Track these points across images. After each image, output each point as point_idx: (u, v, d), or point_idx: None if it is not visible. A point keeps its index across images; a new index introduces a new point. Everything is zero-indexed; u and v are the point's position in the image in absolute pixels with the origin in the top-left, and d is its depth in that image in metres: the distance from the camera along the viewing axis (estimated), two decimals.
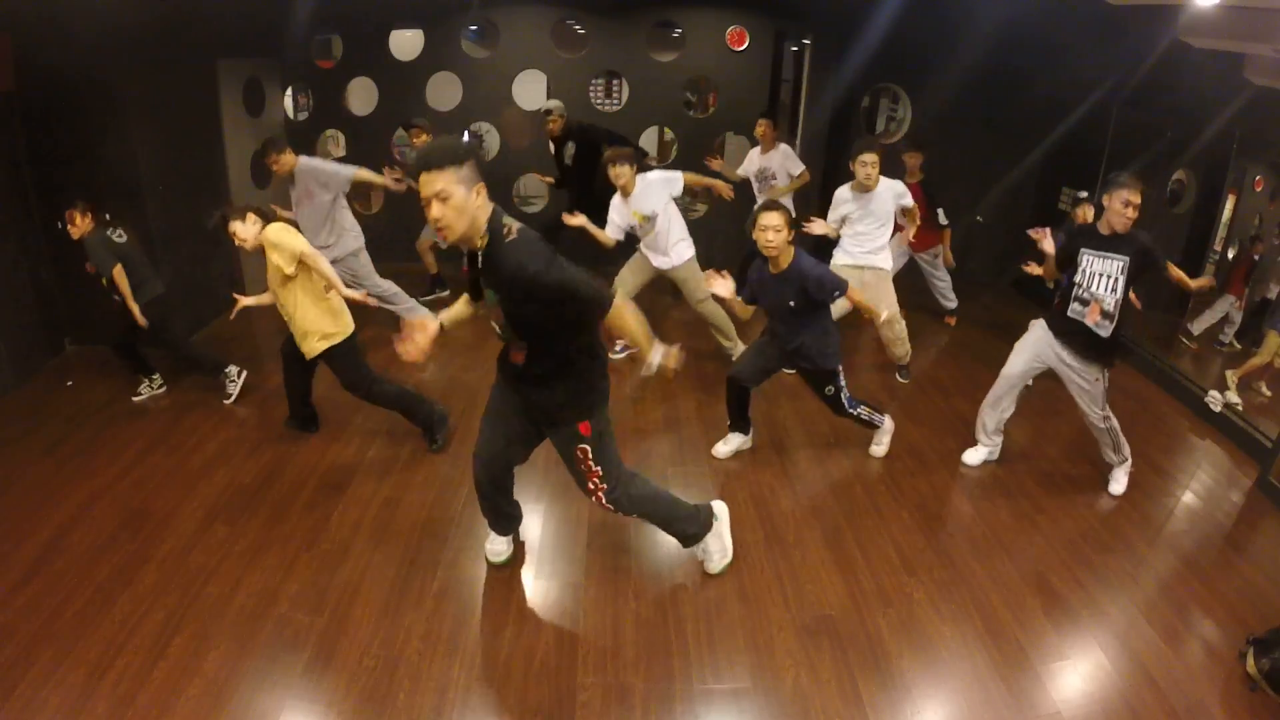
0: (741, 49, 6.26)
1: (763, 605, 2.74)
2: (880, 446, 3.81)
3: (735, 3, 6.16)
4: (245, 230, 3.39)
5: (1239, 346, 4.93)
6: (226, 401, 4.09)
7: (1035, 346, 3.51)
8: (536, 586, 2.81)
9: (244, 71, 5.44)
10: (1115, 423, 3.47)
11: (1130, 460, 3.58)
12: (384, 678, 2.37)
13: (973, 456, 3.75)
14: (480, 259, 2.23)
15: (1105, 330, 3.23)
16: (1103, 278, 3.22)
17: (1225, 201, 4.76)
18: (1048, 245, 3.70)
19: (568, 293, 2.15)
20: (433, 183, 2.08)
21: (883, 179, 4.25)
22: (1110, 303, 3.20)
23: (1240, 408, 4.24)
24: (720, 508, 2.94)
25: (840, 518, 3.30)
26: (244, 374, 4.18)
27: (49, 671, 2.33)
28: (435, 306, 5.61)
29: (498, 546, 2.92)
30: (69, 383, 4.27)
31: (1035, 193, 6.32)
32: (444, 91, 6.33)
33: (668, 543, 3.07)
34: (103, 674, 2.33)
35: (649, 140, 7.72)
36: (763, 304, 3.48)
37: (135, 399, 4.10)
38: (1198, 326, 5.04)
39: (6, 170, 4.20)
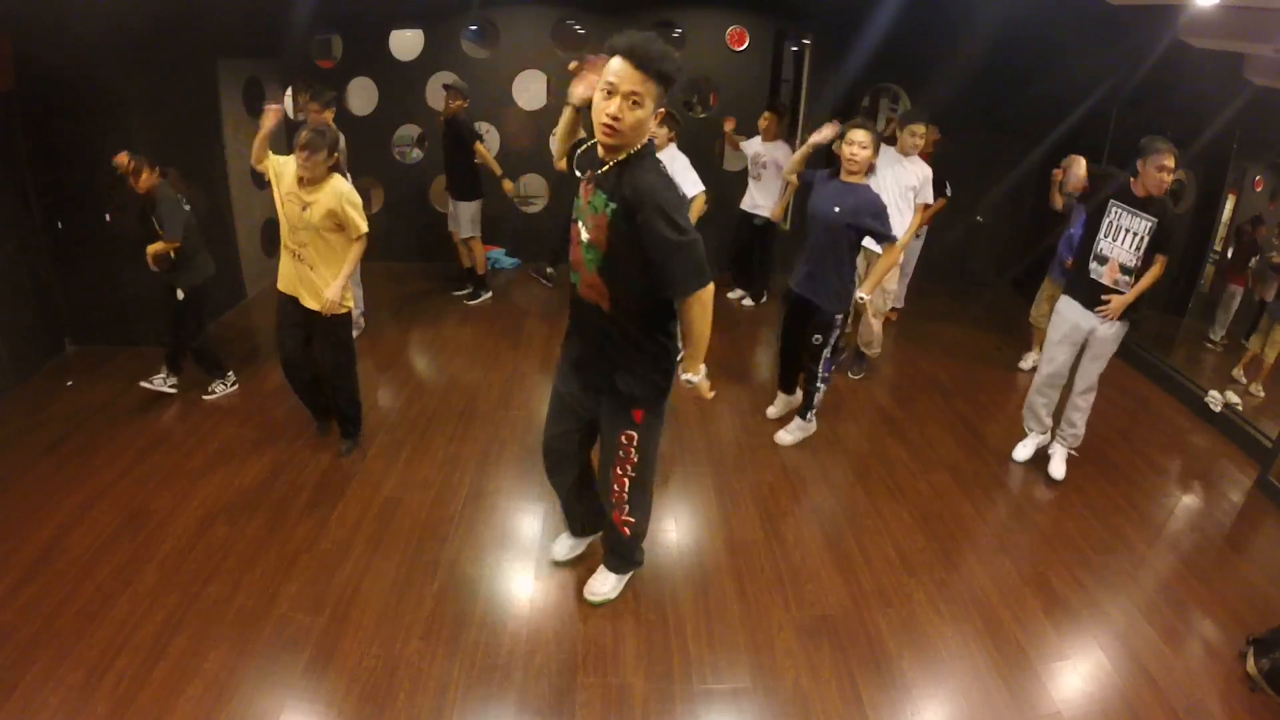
0: (741, 49, 6.26)
1: (763, 605, 2.74)
2: (788, 436, 3.83)
3: (735, 3, 6.16)
4: None
5: (1222, 344, 4.97)
6: (206, 398, 4.08)
7: (1068, 332, 3.49)
8: (536, 586, 2.81)
9: (244, 71, 5.44)
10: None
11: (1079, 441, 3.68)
12: (384, 678, 2.37)
13: (1022, 453, 3.77)
14: (609, 166, 2.05)
15: (1126, 286, 3.31)
16: (1129, 234, 3.28)
17: (1225, 201, 4.76)
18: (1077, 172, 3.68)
19: (676, 244, 1.96)
20: (633, 82, 1.89)
21: (916, 159, 4.33)
22: (1131, 260, 3.28)
23: (1240, 408, 4.24)
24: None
25: (840, 518, 3.30)
26: (235, 385, 4.20)
27: (49, 671, 2.33)
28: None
29: (559, 546, 2.93)
30: (69, 383, 4.26)
31: (1035, 193, 6.31)
32: (442, 88, 6.32)
33: (667, 544, 3.07)
34: (103, 674, 2.32)
35: None
36: (813, 208, 3.46)
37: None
38: (1218, 331, 5.05)
39: (6, 170, 4.19)
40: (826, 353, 3.62)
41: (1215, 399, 4.28)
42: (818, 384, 3.70)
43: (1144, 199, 3.22)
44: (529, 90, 6.57)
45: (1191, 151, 4.85)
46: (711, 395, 2.29)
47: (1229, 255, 4.89)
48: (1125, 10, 4.14)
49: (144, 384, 4.05)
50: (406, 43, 6.29)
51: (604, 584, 2.73)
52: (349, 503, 3.25)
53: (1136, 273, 3.27)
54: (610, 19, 6.16)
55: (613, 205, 2.04)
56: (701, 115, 6.99)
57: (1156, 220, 3.18)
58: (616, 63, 1.93)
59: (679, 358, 2.29)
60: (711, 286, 2.08)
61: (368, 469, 3.51)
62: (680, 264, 2.02)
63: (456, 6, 6.06)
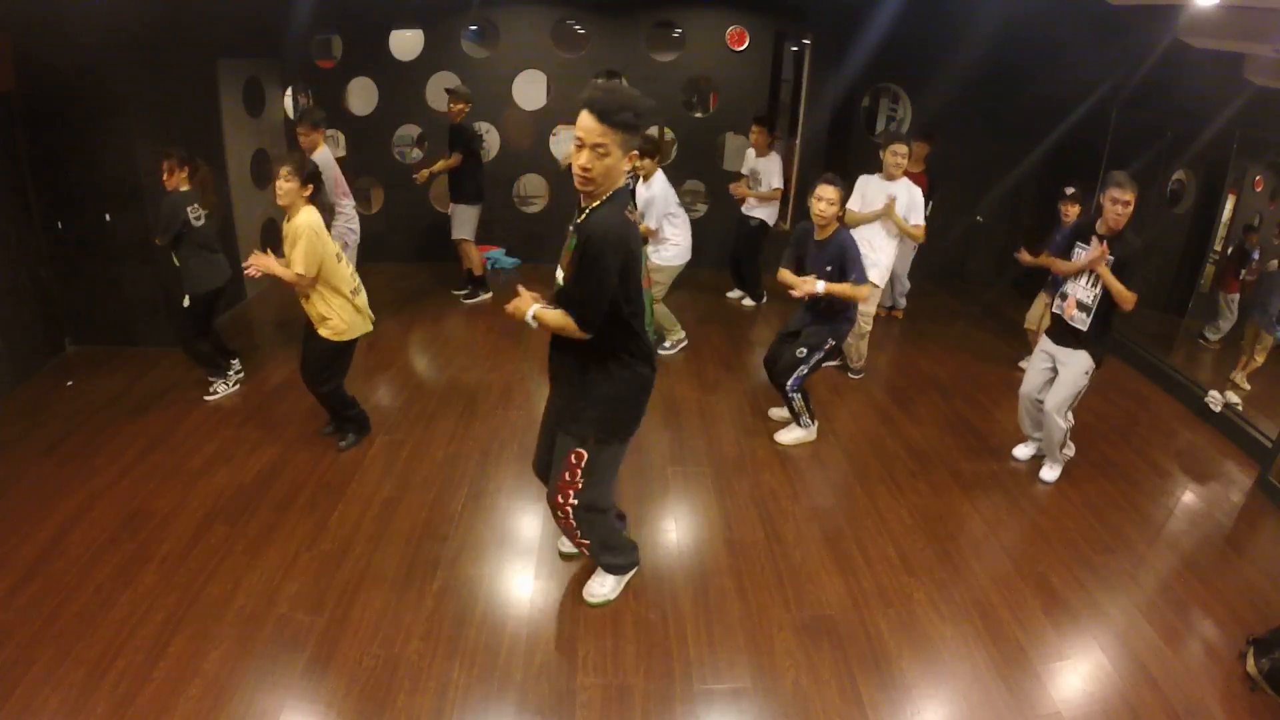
0: (741, 49, 6.27)
1: (763, 605, 2.74)
2: (787, 436, 3.88)
3: (735, 3, 6.17)
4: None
5: (1216, 344, 4.98)
6: (208, 398, 4.09)
7: (1038, 359, 3.61)
8: (536, 586, 2.81)
9: (244, 71, 5.44)
10: (1071, 424, 3.52)
11: (1072, 454, 3.70)
12: (384, 678, 2.37)
13: (1022, 451, 3.85)
14: (585, 212, 2.17)
15: (1081, 323, 3.35)
16: (1086, 273, 3.33)
17: (1225, 201, 4.76)
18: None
19: (587, 271, 2.10)
20: (599, 134, 1.99)
21: (906, 180, 4.35)
22: (1087, 296, 3.32)
23: (1240, 408, 4.24)
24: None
25: (840, 518, 3.30)
26: (238, 386, 4.21)
27: (49, 671, 2.33)
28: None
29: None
30: (69, 383, 4.26)
31: (1035, 193, 6.32)
32: (444, 91, 6.33)
33: (667, 544, 3.07)
34: (103, 674, 2.32)
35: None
36: (807, 268, 3.63)
37: (208, 398, 4.13)
38: (1214, 332, 5.06)
39: (6, 170, 4.19)
40: (802, 370, 3.72)
41: (1215, 399, 4.28)
42: (789, 395, 3.78)
43: (1104, 237, 3.27)
44: (529, 90, 6.57)
45: (1191, 151, 4.86)
46: (510, 307, 2.31)
47: (1229, 255, 4.90)
48: (1125, 10, 4.14)
49: (207, 398, 4.11)
50: (406, 43, 6.29)
51: (602, 585, 2.73)
52: (349, 503, 3.25)
53: (1093, 309, 3.30)
54: (610, 19, 6.16)
55: (577, 240, 2.18)
56: (700, 115, 7.00)
57: (1113, 258, 3.23)
58: (583, 116, 2.02)
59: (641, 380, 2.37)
60: (581, 334, 2.20)
61: (368, 469, 3.51)
62: (580, 290, 2.15)
63: (456, 6, 6.06)
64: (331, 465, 3.53)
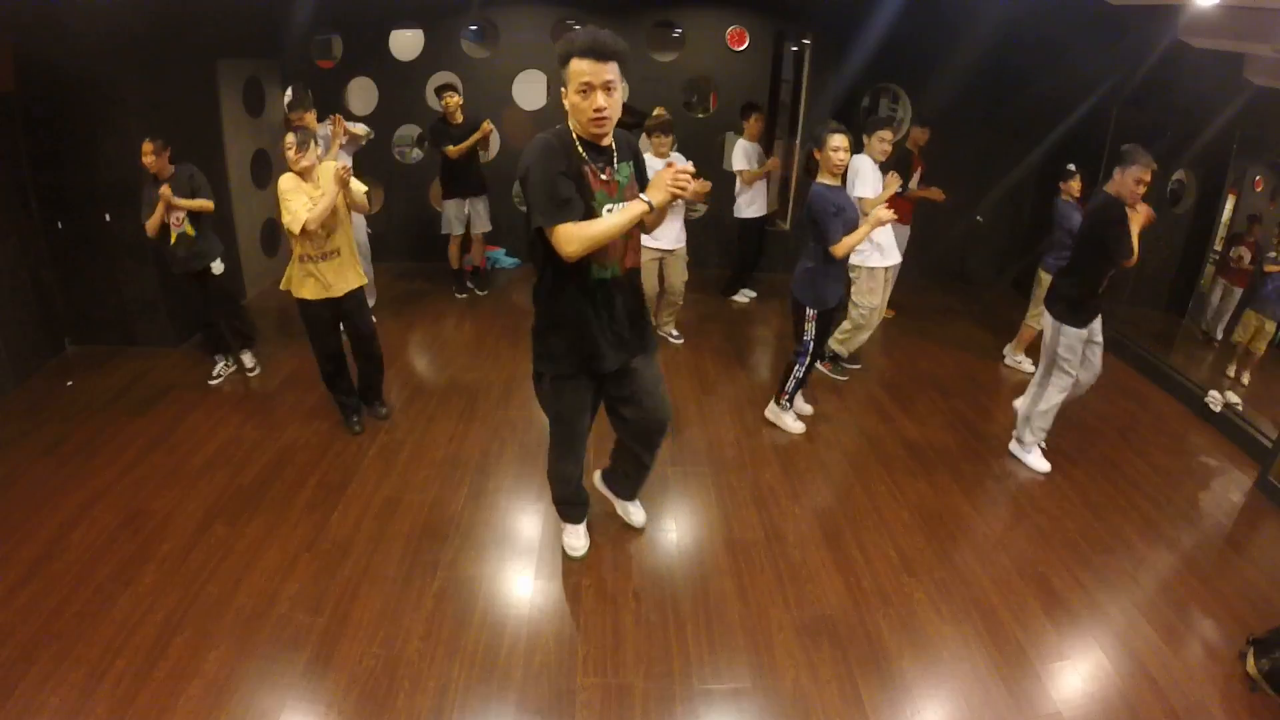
0: (741, 49, 6.26)
1: (763, 605, 2.74)
2: (782, 418, 3.95)
3: (735, 3, 6.16)
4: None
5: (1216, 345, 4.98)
6: (250, 374, 4.33)
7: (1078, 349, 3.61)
8: (536, 586, 2.81)
9: (244, 71, 5.45)
10: None
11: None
12: (384, 678, 2.37)
13: (1046, 464, 3.81)
14: (610, 148, 2.26)
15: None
16: None
17: (1225, 201, 4.76)
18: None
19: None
20: (605, 72, 2.06)
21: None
22: None
23: (1240, 407, 4.24)
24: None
25: (840, 518, 3.30)
26: (256, 370, 4.35)
27: (49, 671, 2.33)
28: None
29: (580, 541, 2.99)
30: (69, 383, 4.27)
31: (1035, 193, 6.32)
32: (436, 93, 6.32)
33: (667, 543, 3.08)
34: (103, 674, 2.33)
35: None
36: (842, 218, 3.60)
37: (211, 382, 4.28)
38: (1218, 328, 5.06)
39: (6, 170, 4.20)
40: None
41: (1215, 399, 4.28)
42: (795, 371, 3.89)
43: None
44: (529, 90, 6.57)
45: (1191, 151, 4.85)
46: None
47: (1228, 254, 4.90)
48: (1125, 10, 4.14)
49: (211, 381, 4.26)
50: (406, 43, 6.29)
51: (641, 511, 3.12)
52: (349, 503, 3.25)
53: None
54: (610, 19, 6.16)
55: (631, 165, 2.34)
56: (701, 115, 6.99)
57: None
58: (583, 64, 2.06)
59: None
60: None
61: (368, 469, 3.51)
62: None
63: (456, 6, 6.06)
64: (331, 465, 3.53)
